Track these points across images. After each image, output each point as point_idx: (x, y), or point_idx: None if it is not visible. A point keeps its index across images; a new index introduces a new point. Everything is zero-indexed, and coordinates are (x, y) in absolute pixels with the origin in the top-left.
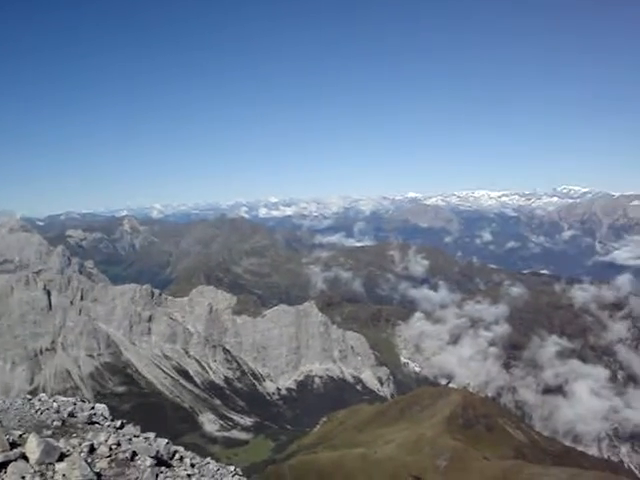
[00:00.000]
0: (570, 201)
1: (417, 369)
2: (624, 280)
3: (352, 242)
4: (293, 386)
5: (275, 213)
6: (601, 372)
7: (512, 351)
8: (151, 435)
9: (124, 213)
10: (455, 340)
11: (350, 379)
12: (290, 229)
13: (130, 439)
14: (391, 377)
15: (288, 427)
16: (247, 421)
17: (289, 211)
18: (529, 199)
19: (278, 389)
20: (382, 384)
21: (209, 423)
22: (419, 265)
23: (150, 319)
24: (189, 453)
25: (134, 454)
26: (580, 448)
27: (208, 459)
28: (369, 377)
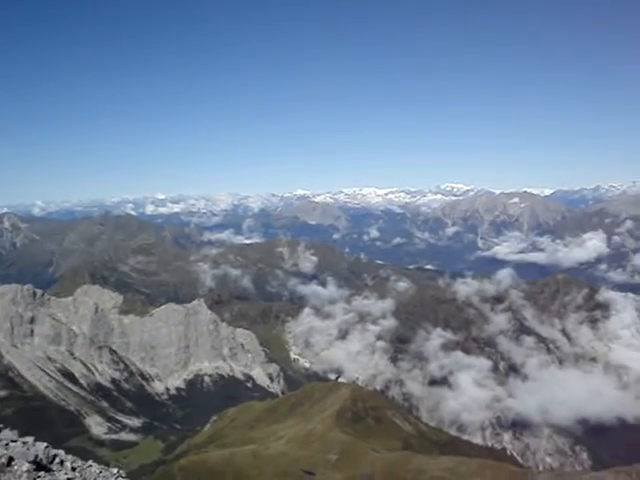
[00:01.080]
0: (453, 198)
1: (307, 365)
2: (504, 274)
3: (241, 239)
4: (182, 385)
5: (162, 210)
6: (484, 363)
7: (399, 344)
8: (29, 439)
9: (4, 210)
10: (344, 335)
11: (240, 376)
12: (178, 226)
13: (7, 444)
14: (281, 373)
15: (178, 427)
16: (136, 422)
17: (177, 208)
18: (414, 197)
19: (167, 389)
20: (272, 381)
21: (96, 426)
22: (308, 261)
23: (32, 320)
24: (70, 457)
25: (10, 459)
26: (465, 437)
27: (90, 462)
28: (259, 374)
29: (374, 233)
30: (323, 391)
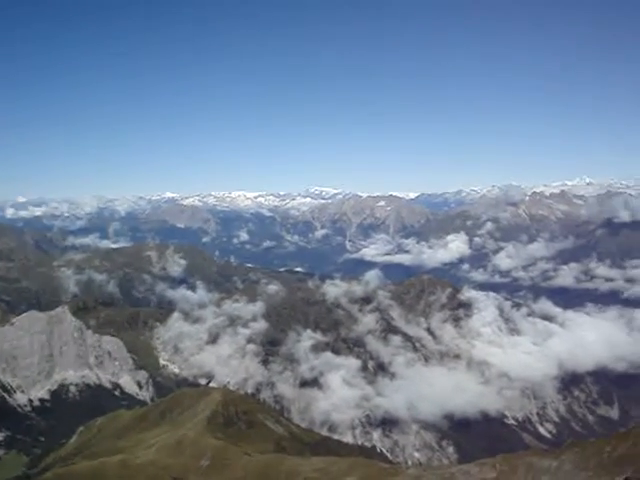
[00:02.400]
0: (322, 202)
1: (177, 370)
2: (372, 275)
3: (107, 243)
4: (47, 396)
5: (23, 213)
6: (353, 363)
7: (270, 347)
8: None
9: None
10: (214, 339)
11: (108, 385)
12: (40, 230)
13: None
14: (150, 380)
15: (42, 440)
16: None
17: (39, 211)
18: (284, 200)
19: (30, 400)
20: (141, 388)
21: None
22: (177, 265)
23: None
24: None
25: None
26: (336, 436)
27: None
28: (127, 382)
29: (244, 236)
30: (194, 397)
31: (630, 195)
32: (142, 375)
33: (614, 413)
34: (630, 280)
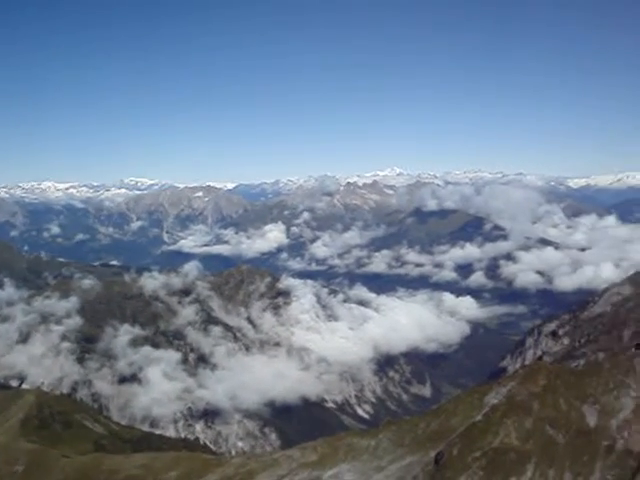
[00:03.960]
0: (138, 193)
1: None
2: (191, 267)
3: None
4: None
5: None
6: (173, 356)
7: (86, 344)
8: None
9: None
10: (25, 338)
11: None
12: None
13: None
14: None
15: None
16: None
17: None
18: (97, 191)
19: None
20: None
21: None
22: None
23: None
24: None
25: None
26: (158, 431)
27: None
28: None
29: (55, 229)
30: (6, 400)
31: (437, 185)
32: None
33: (426, 391)
34: (438, 265)
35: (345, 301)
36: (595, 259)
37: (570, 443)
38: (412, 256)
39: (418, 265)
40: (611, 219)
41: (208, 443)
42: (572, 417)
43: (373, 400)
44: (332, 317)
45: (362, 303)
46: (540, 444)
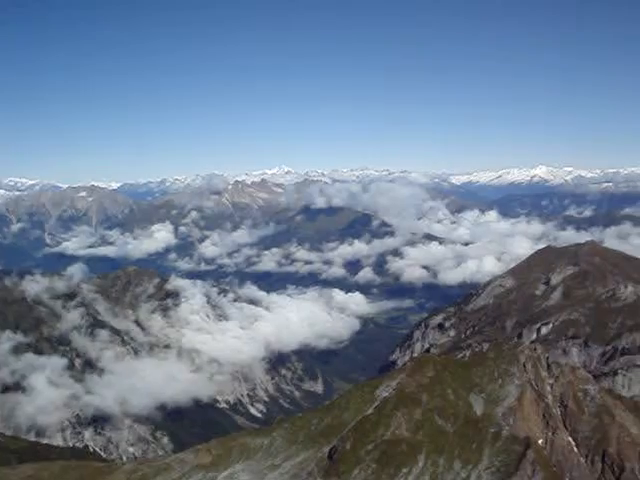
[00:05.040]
0: (17, 194)
1: None
2: (75, 269)
3: None
4: None
5: None
6: (58, 362)
7: None
8: None
9: None
10: None
11: None
12: None
13: None
14: None
15: None
16: None
17: None
18: None
19: None
20: None
21: None
22: None
23: None
24: None
25: None
26: (45, 441)
27: None
28: None
29: None
30: None
31: (325, 183)
32: None
33: (319, 387)
34: (327, 262)
35: (235, 300)
36: (478, 253)
37: (458, 432)
38: (302, 254)
39: (308, 262)
40: (492, 214)
41: (98, 450)
42: (460, 406)
43: (266, 399)
44: (223, 317)
45: (253, 302)
46: (430, 434)
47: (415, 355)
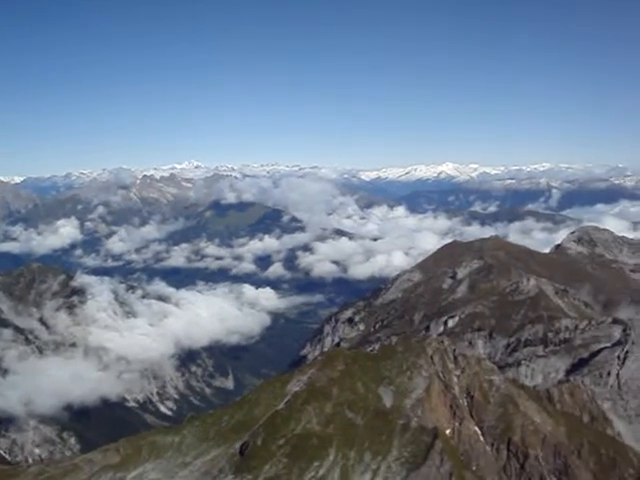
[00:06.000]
0: None
1: None
2: None
3: None
4: None
5: None
6: None
7: None
8: None
9: None
10: None
11: None
12: None
13: None
14: None
15: None
16: None
17: None
18: None
19: None
20: None
21: None
22: None
23: None
24: None
25: None
26: None
27: None
28: None
29: None
30: None
31: (235, 178)
32: None
33: (229, 384)
34: (237, 258)
35: (144, 297)
36: (386, 248)
37: (368, 424)
38: (211, 249)
39: (218, 258)
40: (401, 210)
41: (2, 453)
42: (369, 399)
43: (176, 396)
44: (131, 314)
45: (161, 298)
46: (340, 427)
47: (325, 349)
